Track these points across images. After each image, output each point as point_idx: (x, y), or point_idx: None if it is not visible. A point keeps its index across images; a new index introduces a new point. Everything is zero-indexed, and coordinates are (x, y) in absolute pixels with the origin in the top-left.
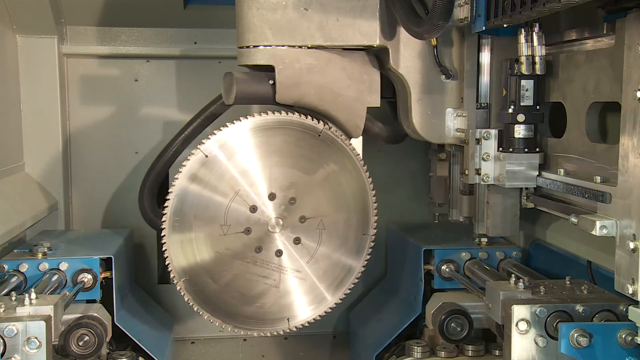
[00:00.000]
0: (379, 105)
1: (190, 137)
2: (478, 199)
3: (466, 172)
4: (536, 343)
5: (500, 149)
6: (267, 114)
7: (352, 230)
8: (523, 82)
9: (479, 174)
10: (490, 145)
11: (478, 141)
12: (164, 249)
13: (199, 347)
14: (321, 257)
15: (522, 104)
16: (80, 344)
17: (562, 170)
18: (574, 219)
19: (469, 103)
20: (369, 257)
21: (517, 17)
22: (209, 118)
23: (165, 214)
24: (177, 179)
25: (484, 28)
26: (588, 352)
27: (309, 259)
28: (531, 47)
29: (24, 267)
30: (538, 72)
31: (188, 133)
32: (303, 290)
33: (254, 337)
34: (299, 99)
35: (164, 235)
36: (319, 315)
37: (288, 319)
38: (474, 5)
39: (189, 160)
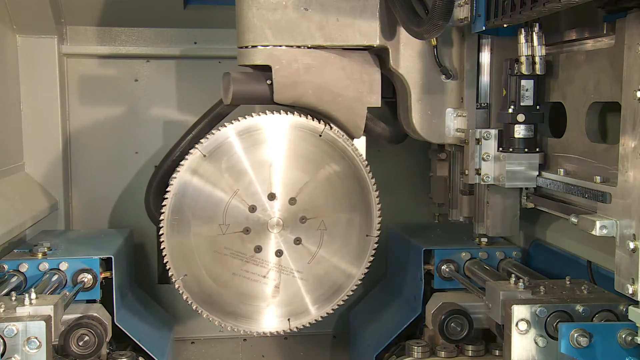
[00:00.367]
0: (379, 106)
1: (197, 137)
2: (478, 199)
3: (466, 172)
4: (536, 343)
5: (500, 149)
6: (266, 114)
7: (355, 231)
8: (523, 82)
9: (479, 174)
10: (490, 145)
11: (478, 141)
12: (162, 247)
13: (199, 347)
14: (323, 257)
15: (522, 104)
16: (80, 344)
17: (562, 170)
18: (574, 219)
19: (469, 103)
20: (372, 258)
21: (517, 17)
22: (216, 118)
23: (164, 212)
24: (175, 178)
25: (484, 28)
26: (588, 352)
27: (310, 259)
28: (531, 47)
29: (24, 267)
30: (538, 72)
31: (195, 133)
32: (304, 290)
33: (254, 337)
34: (298, 99)
35: (162, 234)
36: (321, 317)
37: (289, 319)
38: (474, 5)
39: (187, 159)
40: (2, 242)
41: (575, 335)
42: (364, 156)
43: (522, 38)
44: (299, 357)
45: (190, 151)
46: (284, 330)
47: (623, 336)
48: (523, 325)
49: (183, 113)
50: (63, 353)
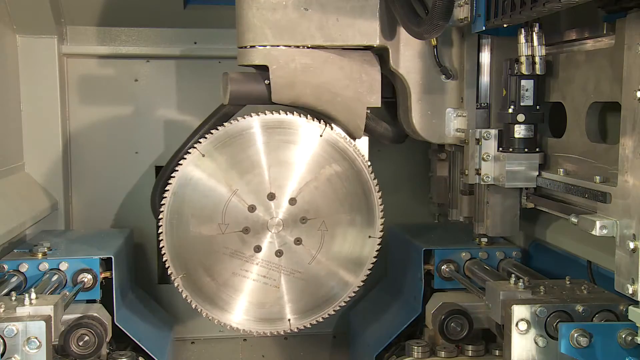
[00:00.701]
0: (379, 106)
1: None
2: (478, 199)
3: (466, 172)
4: (536, 343)
5: (500, 149)
6: (266, 114)
7: (357, 232)
8: (523, 82)
9: (479, 174)
10: (490, 145)
11: (478, 141)
12: (161, 245)
13: (199, 347)
14: (324, 258)
15: (522, 104)
16: (80, 344)
17: (562, 170)
18: (574, 219)
19: (469, 103)
20: (375, 259)
21: (517, 17)
22: (222, 118)
23: (163, 211)
24: (174, 177)
25: (484, 28)
26: (588, 352)
27: (311, 260)
28: (531, 47)
29: (24, 267)
30: (538, 72)
31: (203, 132)
32: (305, 291)
33: (254, 337)
34: (296, 99)
35: (162, 233)
36: (322, 318)
37: (289, 320)
38: (474, 5)
39: (185, 159)
40: (2, 242)
41: (575, 335)
42: (367, 156)
43: (522, 38)
44: (299, 357)
45: (189, 150)
46: (284, 331)
47: (623, 336)
48: (523, 325)
49: (183, 113)
50: (63, 353)
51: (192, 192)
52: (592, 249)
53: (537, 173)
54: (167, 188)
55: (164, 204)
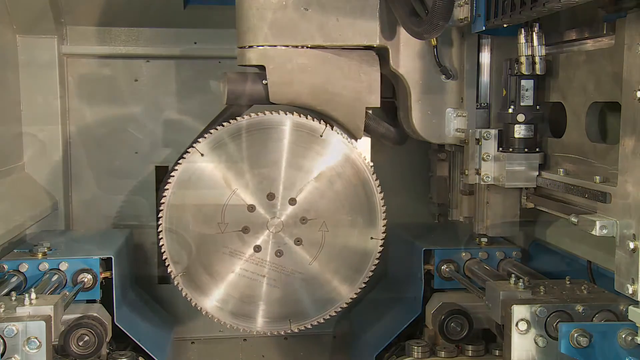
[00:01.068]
0: (378, 106)
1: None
2: (478, 199)
3: (466, 172)
4: (536, 343)
5: (500, 149)
6: (265, 114)
7: (359, 233)
8: (523, 82)
9: (479, 174)
10: (490, 145)
11: (478, 141)
12: (161, 244)
13: (199, 347)
14: (325, 259)
15: (522, 104)
16: (80, 344)
17: (562, 170)
18: (574, 219)
19: (469, 103)
20: (377, 261)
21: (517, 17)
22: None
23: (162, 210)
24: (173, 176)
25: (484, 28)
26: (588, 352)
27: (311, 260)
28: (531, 47)
29: (24, 267)
30: (538, 72)
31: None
32: (305, 291)
33: (254, 337)
34: (294, 99)
35: (161, 231)
36: (323, 319)
37: (289, 320)
38: (474, 5)
39: (185, 158)
40: (2, 242)
41: (575, 335)
42: (369, 157)
43: (522, 38)
44: (299, 357)
45: (188, 150)
46: (284, 331)
47: (623, 336)
48: (523, 325)
49: (183, 113)
50: (63, 353)
51: (191, 191)
52: (592, 249)
53: (537, 173)
54: (166, 187)
55: (163, 203)
